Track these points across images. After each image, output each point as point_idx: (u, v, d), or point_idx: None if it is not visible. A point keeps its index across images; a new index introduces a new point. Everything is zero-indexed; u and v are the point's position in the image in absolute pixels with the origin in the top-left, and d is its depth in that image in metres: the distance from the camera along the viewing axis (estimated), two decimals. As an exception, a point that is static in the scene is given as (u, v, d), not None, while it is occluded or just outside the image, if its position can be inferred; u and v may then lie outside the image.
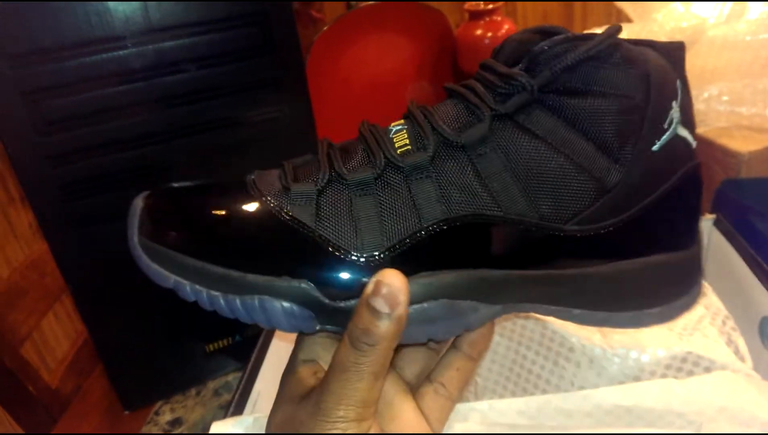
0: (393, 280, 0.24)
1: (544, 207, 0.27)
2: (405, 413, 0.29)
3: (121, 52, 0.48)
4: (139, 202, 0.28)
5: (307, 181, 0.27)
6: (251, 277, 0.26)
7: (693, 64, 0.61)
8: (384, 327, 0.24)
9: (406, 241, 0.26)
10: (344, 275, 0.26)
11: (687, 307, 0.30)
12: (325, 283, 0.26)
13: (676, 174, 0.28)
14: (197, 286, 0.26)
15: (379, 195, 0.26)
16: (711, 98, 0.59)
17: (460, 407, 0.35)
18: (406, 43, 0.91)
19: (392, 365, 0.31)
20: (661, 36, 0.61)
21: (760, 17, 0.63)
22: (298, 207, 0.26)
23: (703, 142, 0.59)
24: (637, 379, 0.37)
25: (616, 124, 0.27)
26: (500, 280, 0.27)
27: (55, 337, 0.79)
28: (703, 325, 0.40)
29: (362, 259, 0.26)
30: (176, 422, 0.58)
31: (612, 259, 0.28)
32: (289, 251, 0.26)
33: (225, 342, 0.62)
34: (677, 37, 0.60)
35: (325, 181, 0.27)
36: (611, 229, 0.27)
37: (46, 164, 0.49)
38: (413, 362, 0.31)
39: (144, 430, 0.58)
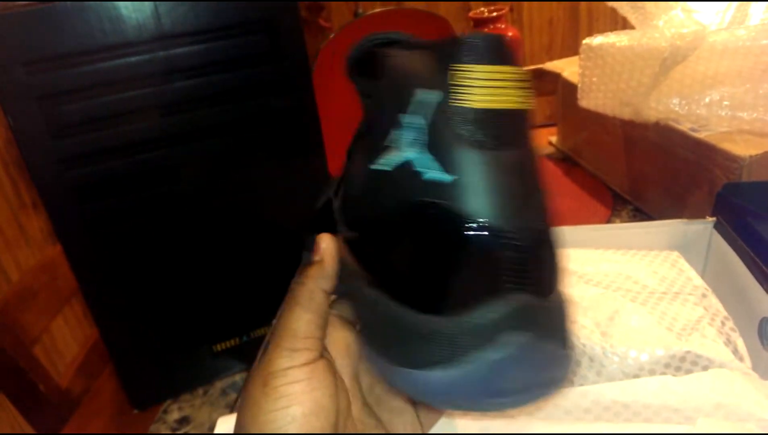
0: (321, 236, 0.29)
1: None
2: (395, 400, 0.31)
3: (133, 59, 0.50)
4: None
5: None
6: None
7: (694, 70, 0.62)
8: (308, 268, 0.29)
9: None
10: None
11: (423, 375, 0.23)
12: None
13: (400, 207, 0.22)
14: None
15: None
16: (712, 103, 0.60)
17: (462, 403, 0.35)
18: (412, 50, 0.92)
19: None
20: (662, 42, 0.62)
21: (761, 23, 0.64)
22: None
23: (705, 146, 0.60)
24: (636, 377, 0.38)
25: (356, 130, 0.25)
26: None
27: (64, 341, 0.81)
28: (702, 325, 0.40)
29: None
30: (184, 421, 0.59)
31: None
32: None
33: (232, 342, 0.63)
34: (678, 44, 0.61)
35: None
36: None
37: (60, 167, 0.50)
38: None
39: (152, 428, 0.59)
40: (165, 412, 0.61)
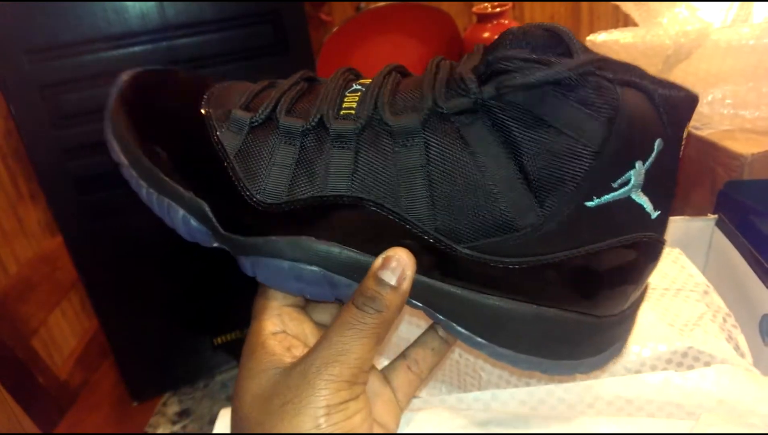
0: (402, 256, 0.25)
1: (442, 219, 0.25)
2: (372, 382, 0.30)
3: (136, 48, 0.49)
4: (124, 78, 0.29)
5: (250, 111, 0.27)
6: (167, 181, 0.27)
7: (697, 68, 0.62)
8: (389, 296, 0.25)
9: (306, 201, 0.26)
10: (241, 212, 0.26)
11: (580, 368, 0.28)
12: (224, 211, 0.27)
13: (613, 239, 0.25)
14: (132, 171, 0.28)
15: (303, 148, 0.26)
16: (715, 101, 0.60)
17: (464, 397, 0.35)
18: (414, 45, 0.92)
19: (404, 356, 0.32)
20: (665, 40, 0.62)
21: (765, 22, 0.64)
22: (230, 133, 0.27)
23: (707, 144, 0.60)
24: (638, 373, 0.38)
25: (554, 166, 0.24)
26: None
27: (63, 333, 0.80)
28: (704, 321, 0.41)
29: (260, 204, 0.26)
30: (184, 414, 0.59)
31: (504, 295, 0.26)
32: (203, 170, 0.27)
33: (233, 335, 0.63)
34: (682, 41, 0.61)
35: (262, 117, 0.27)
36: (508, 266, 0.25)
37: (62, 157, 0.50)
38: (426, 357, 0.32)
39: (152, 421, 0.59)
40: (165, 404, 0.61)
